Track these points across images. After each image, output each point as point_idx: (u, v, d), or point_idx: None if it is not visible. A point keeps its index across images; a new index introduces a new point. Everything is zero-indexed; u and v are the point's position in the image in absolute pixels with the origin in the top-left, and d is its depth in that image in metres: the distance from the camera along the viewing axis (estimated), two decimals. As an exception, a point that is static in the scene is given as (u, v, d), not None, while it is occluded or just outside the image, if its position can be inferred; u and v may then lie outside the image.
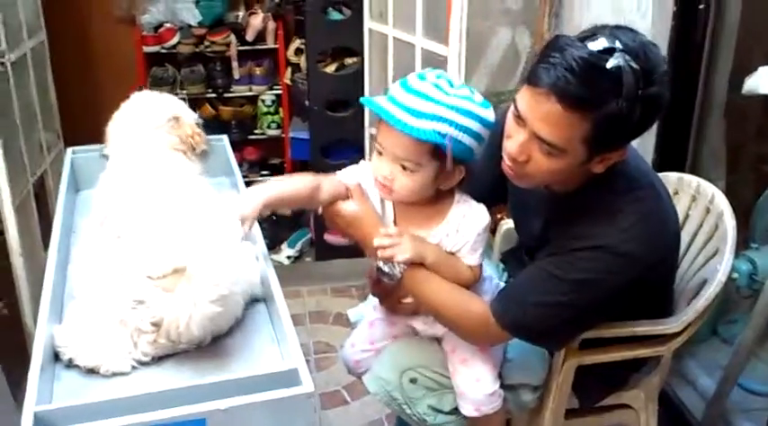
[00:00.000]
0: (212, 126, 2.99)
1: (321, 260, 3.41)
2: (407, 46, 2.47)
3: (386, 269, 1.43)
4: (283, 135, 3.69)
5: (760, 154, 2.54)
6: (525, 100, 1.31)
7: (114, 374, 1.29)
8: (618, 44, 1.25)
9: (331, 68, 3.16)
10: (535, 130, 1.30)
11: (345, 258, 3.32)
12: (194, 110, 3.48)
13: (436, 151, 1.31)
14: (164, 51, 3.48)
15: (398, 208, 1.47)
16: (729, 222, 1.66)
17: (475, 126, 1.32)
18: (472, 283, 1.49)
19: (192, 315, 1.24)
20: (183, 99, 3.39)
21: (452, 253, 1.46)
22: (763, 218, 2.42)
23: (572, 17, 2.53)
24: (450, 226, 1.44)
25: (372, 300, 1.68)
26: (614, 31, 1.29)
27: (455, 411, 1.58)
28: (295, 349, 1.23)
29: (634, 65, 1.24)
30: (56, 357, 1.32)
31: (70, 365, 1.31)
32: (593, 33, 1.29)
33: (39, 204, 2.61)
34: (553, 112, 1.26)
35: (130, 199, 1.48)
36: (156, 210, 1.43)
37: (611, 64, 1.23)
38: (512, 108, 1.35)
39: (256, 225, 1.61)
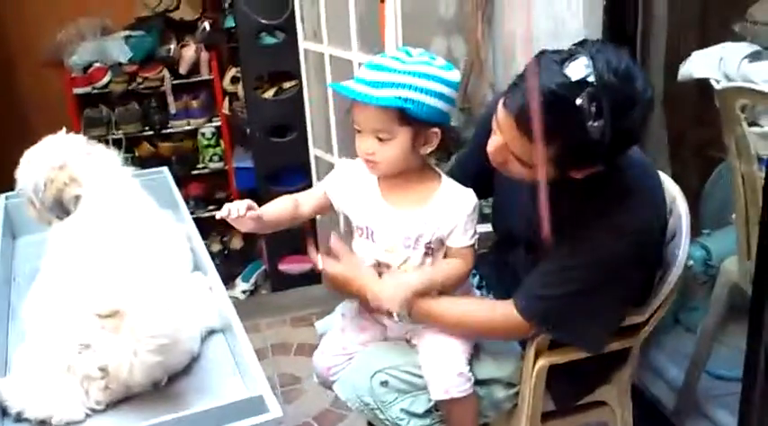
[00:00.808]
0: (152, 164, 2.91)
1: (277, 290, 3.35)
2: (345, 62, 2.44)
3: (395, 318, 1.52)
4: (226, 167, 3.63)
5: (702, 140, 2.57)
6: (501, 113, 1.36)
7: (68, 424, 1.21)
8: (592, 76, 1.24)
9: (269, 94, 3.12)
10: (507, 142, 1.35)
11: (302, 286, 3.28)
12: (132, 149, 3.52)
13: (404, 118, 1.38)
14: (95, 91, 3.42)
15: (386, 193, 1.51)
16: (682, 205, 1.65)
17: (436, 86, 1.38)
18: (469, 269, 1.52)
19: (132, 363, 1.19)
20: (120, 139, 3.44)
21: (441, 245, 1.49)
22: (711, 204, 2.45)
23: (503, 21, 2.54)
24: (438, 207, 1.47)
25: (341, 308, 1.70)
26: (597, 53, 1.28)
27: (428, 413, 1.57)
28: (258, 375, 1.17)
29: (606, 101, 1.24)
30: (2, 413, 1.23)
31: (19, 419, 1.22)
32: (573, 53, 1.28)
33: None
34: (518, 137, 1.31)
35: (92, 231, 1.42)
36: (106, 244, 1.36)
37: (579, 100, 1.24)
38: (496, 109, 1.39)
39: (207, 254, 1.57)
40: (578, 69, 1.25)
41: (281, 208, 1.57)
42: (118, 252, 1.33)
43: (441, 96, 1.40)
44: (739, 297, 2.13)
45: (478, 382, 1.57)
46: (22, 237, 1.88)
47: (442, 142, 1.46)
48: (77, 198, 1.55)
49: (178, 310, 1.19)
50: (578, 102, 1.24)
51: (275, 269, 3.33)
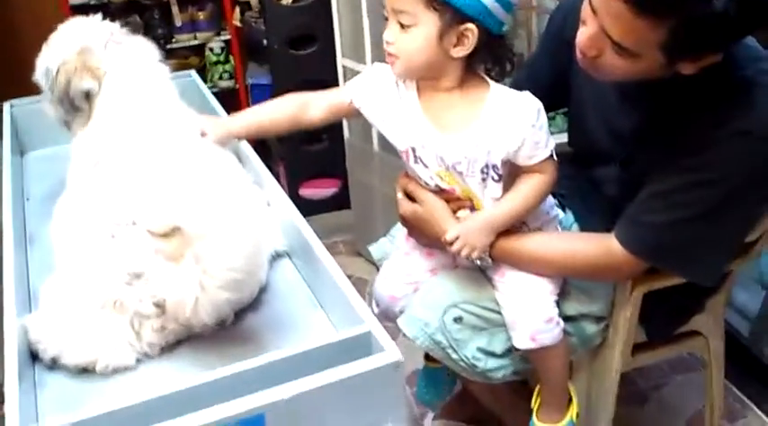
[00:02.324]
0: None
1: (300, 218, 3.09)
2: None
3: (477, 262, 1.33)
4: (237, 85, 3.35)
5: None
6: None
7: (115, 371, 0.98)
8: None
9: (288, 1, 2.81)
10: (604, 27, 1.10)
11: (326, 212, 3.02)
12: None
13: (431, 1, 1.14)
14: (93, 2, 3.11)
15: (427, 108, 1.26)
16: None
17: None
18: (553, 181, 1.28)
19: (198, 299, 0.95)
20: None
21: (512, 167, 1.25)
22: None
23: None
24: (490, 121, 1.21)
25: (400, 230, 1.48)
26: None
27: (508, 352, 1.38)
28: (359, 306, 0.92)
29: None
30: (34, 357, 0.99)
31: (54, 365, 0.99)
32: None
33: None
34: (623, 14, 1.06)
35: (129, 138, 1.15)
36: (158, 153, 1.10)
37: None
38: None
39: (261, 163, 1.32)
40: None
41: (279, 111, 1.40)
42: (165, 159, 1.06)
43: None
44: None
45: (566, 318, 1.38)
46: (31, 153, 1.62)
47: (490, 50, 1.20)
48: (87, 94, 1.28)
49: (253, 233, 0.93)
50: None
51: (296, 194, 3.08)
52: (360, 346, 0.85)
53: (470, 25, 1.16)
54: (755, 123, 1.16)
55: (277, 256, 1.17)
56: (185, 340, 1.02)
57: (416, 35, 1.17)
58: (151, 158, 1.09)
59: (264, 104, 1.43)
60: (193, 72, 1.75)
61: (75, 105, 1.29)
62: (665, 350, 1.63)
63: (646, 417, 2.02)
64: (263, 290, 1.10)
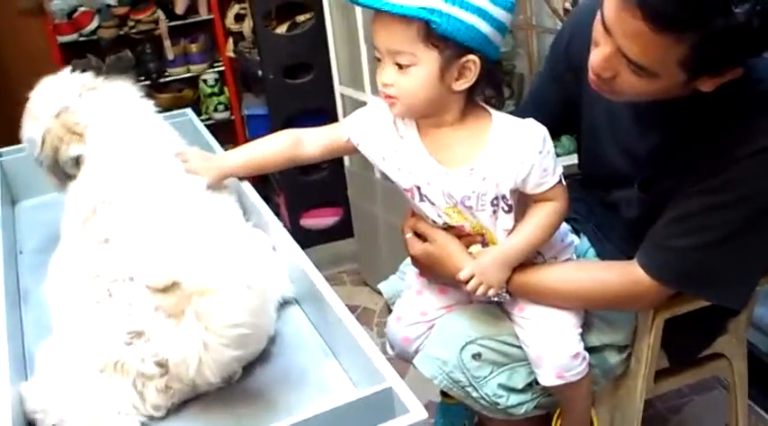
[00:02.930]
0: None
1: (302, 249, 3.03)
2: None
3: (494, 299, 1.29)
4: (233, 116, 3.31)
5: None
6: (612, 8, 1.05)
7: (119, 437, 0.92)
8: None
9: (282, 29, 2.77)
10: (620, 46, 1.06)
11: (328, 242, 2.98)
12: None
13: (429, 36, 1.08)
14: (83, 39, 3.07)
15: (430, 144, 1.21)
16: None
17: (477, 0, 1.08)
18: (566, 207, 1.24)
19: (202, 358, 0.90)
20: None
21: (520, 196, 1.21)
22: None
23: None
24: (496, 152, 1.17)
25: (410, 266, 1.43)
26: None
27: (529, 387, 1.34)
28: (375, 355, 0.87)
29: None
30: (30, 427, 0.93)
31: (54, 435, 0.92)
32: None
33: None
34: (641, 32, 1.01)
35: (121, 192, 1.09)
36: (154, 206, 1.04)
37: None
38: (600, 9, 1.08)
39: (264, 204, 1.27)
40: None
41: (277, 147, 1.35)
42: (162, 210, 1.01)
43: (481, 13, 1.09)
44: None
45: (589, 349, 1.33)
46: (23, 202, 1.56)
47: (490, 78, 1.15)
48: (77, 160, 1.23)
49: (257, 284, 0.88)
50: None
51: (297, 225, 3.03)
52: (380, 405, 0.80)
53: (472, 56, 1.11)
54: None
55: (285, 303, 1.11)
56: (192, 399, 0.96)
57: (417, 75, 1.12)
58: (147, 209, 1.04)
59: (259, 141, 1.38)
60: (189, 110, 1.70)
61: (67, 173, 1.25)
62: (688, 375, 1.58)
63: (668, 441, 1.97)
64: (271, 341, 1.04)
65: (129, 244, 1.02)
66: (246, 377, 0.98)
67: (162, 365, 0.91)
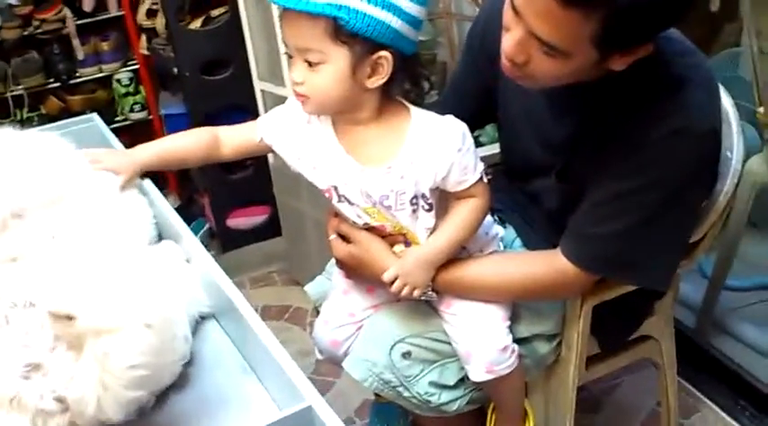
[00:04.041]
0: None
1: (229, 250, 2.98)
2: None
3: (422, 298, 1.28)
4: (150, 116, 3.20)
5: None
6: None
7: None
8: None
9: (196, 24, 2.69)
10: (531, 28, 1.04)
11: (257, 242, 2.93)
12: (38, 106, 3.04)
13: (338, 32, 1.05)
14: (-16, 41, 2.89)
15: (346, 142, 1.18)
16: (726, 98, 1.38)
17: None
18: (488, 203, 1.23)
19: (101, 398, 0.84)
20: (21, 95, 2.96)
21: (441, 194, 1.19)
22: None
23: None
24: (415, 150, 1.14)
25: (334, 266, 1.41)
26: None
27: (461, 382, 1.34)
28: (293, 372, 0.83)
29: None
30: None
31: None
32: None
33: None
34: (550, 10, 1.01)
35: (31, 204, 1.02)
36: (65, 222, 0.98)
37: None
38: None
39: (175, 215, 1.22)
40: None
41: (193, 143, 1.33)
42: (72, 225, 0.95)
43: (392, 8, 1.06)
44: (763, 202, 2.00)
45: (518, 340, 1.34)
46: None
47: (407, 73, 1.13)
48: None
49: (160, 322, 0.82)
50: None
51: (223, 226, 2.97)
52: (301, 424, 0.76)
53: (384, 53, 1.08)
54: (690, 120, 1.13)
55: (201, 320, 1.06)
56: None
57: (327, 72, 1.09)
58: (57, 226, 0.97)
59: (175, 136, 1.37)
60: (95, 115, 1.62)
61: None
62: (619, 359, 1.61)
63: (602, 423, 1.99)
64: (188, 362, 0.99)
65: (37, 265, 0.95)
66: (162, 405, 0.93)
67: (62, 401, 0.85)
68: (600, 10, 0.99)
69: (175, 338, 0.91)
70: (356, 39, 1.06)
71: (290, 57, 1.13)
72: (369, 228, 1.26)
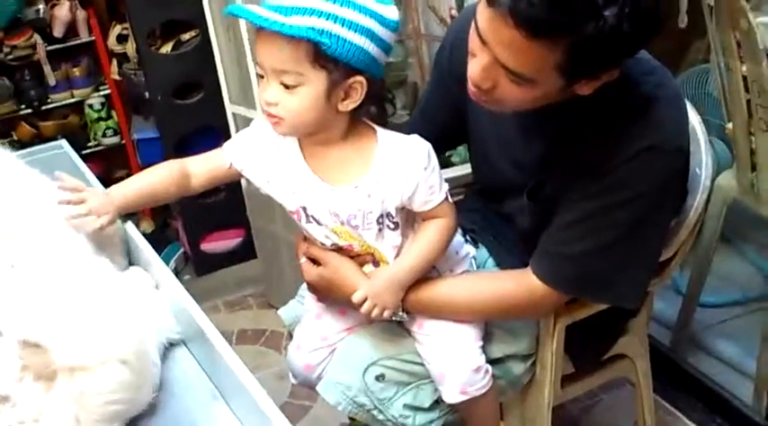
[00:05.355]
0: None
1: (203, 274, 2.96)
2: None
3: (393, 319, 1.28)
4: (123, 141, 3.17)
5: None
6: (484, 18, 1.04)
7: None
8: None
9: (167, 49, 2.68)
10: (497, 56, 1.05)
11: (231, 265, 2.92)
12: (9, 132, 3.00)
13: (318, 57, 1.06)
14: (-48, 69, 2.86)
15: (313, 162, 1.19)
16: (694, 116, 1.38)
17: (365, 21, 1.08)
18: (455, 223, 1.23)
19: None
20: None
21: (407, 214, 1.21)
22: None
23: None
24: (381, 169, 1.16)
25: (306, 290, 1.41)
26: None
27: (436, 404, 1.33)
28: (261, 399, 0.82)
29: None
30: None
31: None
32: None
33: None
34: (515, 40, 1.01)
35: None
36: (35, 252, 0.96)
37: None
38: (474, 21, 1.07)
39: (144, 241, 1.20)
40: None
41: (164, 179, 1.29)
42: (41, 255, 0.93)
43: (371, 35, 1.08)
44: (735, 217, 2.00)
45: (492, 361, 1.33)
46: None
47: (373, 97, 1.14)
48: None
49: (135, 357, 0.81)
50: None
51: (197, 249, 2.95)
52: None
53: (359, 77, 1.10)
54: (659, 137, 1.14)
55: (171, 346, 1.05)
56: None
57: (303, 95, 1.10)
58: (27, 256, 0.95)
59: (145, 173, 1.33)
60: (64, 142, 1.60)
61: None
62: (594, 379, 1.62)
63: (579, 443, 1.99)
64: (157, 389, 0.97)
65: (6, 294, 0.93)
66: (132, 431, 0.91)
67: (32, 434, 0.83)
68: (565, 40, 0.99)
69: (150, 370, 0.89)
70: (335, 63, 1.07)
71: (260, 77, 1.13)
72: (337, 249, 1.26)
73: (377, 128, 1.19)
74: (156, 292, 1.09)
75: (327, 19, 1.05)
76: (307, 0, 1.05)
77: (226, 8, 1.11)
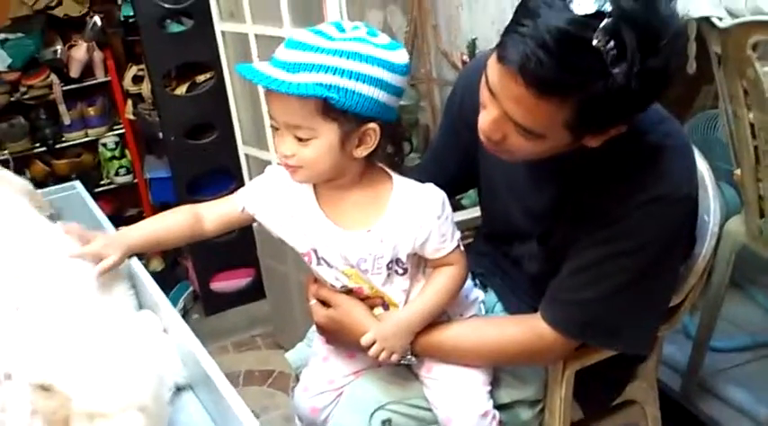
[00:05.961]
0: (49, 186, 2.47)
1: (212, 314, 2.96)
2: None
3: (402, 362, 1.27)
4: (136, 180, 3.21)
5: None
6: (495, 73, 1.05)
7: None
8: (608, 5, 0.96)
9: (182, 90, 2.72)
10: (507, 111, 1.06)
11: (240, 305, 2.93)
12: (23, 170, 3.04)
13: (328, 110, 1.07)
14: (-30, 107, 2.91)
15: (327, 207, 1.20)
16: (701, 162, 1.38)
17: (372, 70, 1.08)
18: (466, 271, 1.24)
19: None
20: (6, 160, 2.97)
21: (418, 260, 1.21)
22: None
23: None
24: (395, 216, 1.16)
25: (315, 334, 1.40)
26: None
27: None
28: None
29: (629, 35, 0.96)
30: None
31: None
32: None
33: None
34: (524, 97, 1.01)
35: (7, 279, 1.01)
36: (45, 296, 0.96)
37: (597, 39, 0.96)
38: (485, 73, 1.09)
39: (154, 284, 1.21)
40: (587, 2, 0.97)
41: (174, 224, 1.29)
42: (52, 299, 0.94)
43: (379, 83, 1.09)
44: (745, 262, 1.99)
45: (500, 406, 1.32)
46: None
47: (390, 138, 1.16)
48: None
49: (153, 404, 0.81)
50: (594, 42, 0.96)
51: (206, 289, 2.96)
52: None
53: (372, 124, 1.11)
54: (667, 188, 1.14)
55: (178, 390, 1.05)
56: None
57: (317, 147, 1.11)
58: (37, 300, 0.96)
59: (158, 217, 1.34)
60: (77, 183, 1.62)
61: None
62: (603, 425, 1.57)
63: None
64: (163, 434, 0.97)
65: (9, 338, 0.94)
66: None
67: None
68: (573, 99, 1.00)
69: (165, 417, 0.90)
70: (345, 115, 1.08)
71: (275, 128, 1.14)
72: (347, 291, 1.26)
73: (392, 174, 1.20)
74: (165, 336, 1.10)
75: (334, 74, 1.06)
76: (314, 56, 1.06)
77: (237, 65, 1.13)
